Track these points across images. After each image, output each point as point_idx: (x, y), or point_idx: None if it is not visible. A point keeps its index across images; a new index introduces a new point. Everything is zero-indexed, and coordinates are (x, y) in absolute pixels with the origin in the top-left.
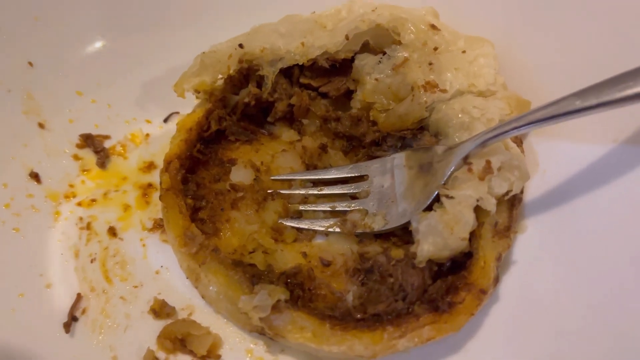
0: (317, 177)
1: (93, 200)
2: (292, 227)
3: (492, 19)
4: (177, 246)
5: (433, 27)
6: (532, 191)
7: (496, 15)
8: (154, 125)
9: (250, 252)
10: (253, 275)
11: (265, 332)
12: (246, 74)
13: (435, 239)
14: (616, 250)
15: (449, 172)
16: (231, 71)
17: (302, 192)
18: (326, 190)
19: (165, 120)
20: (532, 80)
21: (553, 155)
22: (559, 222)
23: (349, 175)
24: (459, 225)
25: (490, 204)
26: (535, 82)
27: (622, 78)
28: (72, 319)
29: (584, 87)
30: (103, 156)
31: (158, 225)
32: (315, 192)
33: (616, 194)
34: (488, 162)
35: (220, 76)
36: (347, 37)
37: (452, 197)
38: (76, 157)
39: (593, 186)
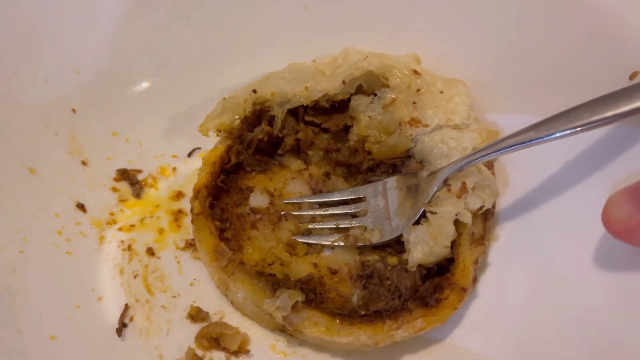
0: (322, 200)
1: (132, 226)
2: (303, 243)
3: (465, 60)
4: (209, 261)
5: (415, 72)
6: (503, 205)
7: (469, 58)
8: (179, 160)
9: (270, 264)
10: (273, 283)
11: (286, 329)
12: (259, 115)
13: (423, 247)
14: (573, 255)
15: (433, 192)
16: (247, 112)
17: (311, 212)
18: (330, 211)
19: (189, 155)
20: (501, 113)
21: (519, 175)
22: (525, 231)
23: (349, 197)
24: (442, 235)
25: (467, 218)
26: (503, 115)
27: (565, 114)
28: (122, 325)
29: (536, 122)
30: (138, 188)
31: (189, 245)
32: (322, 212)
33: (570, 205)
34: (464, 184)
35: (237, 117)
36: (344, 82)
37: (435, 213)
38: (114, 190)
39: (552, 200)
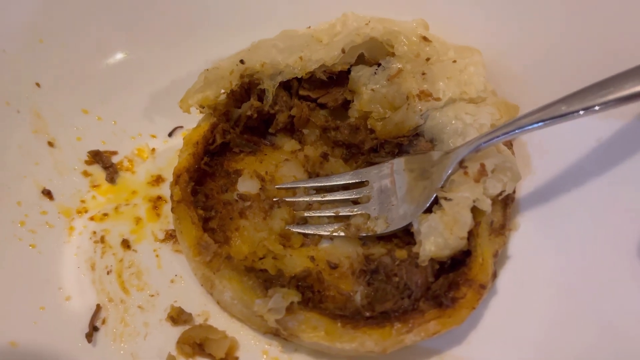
0: (320, 184)
1: (105, 215)
2: (299, 233)
3: (479, 27)
4: (192, 255)
5: (425, 38)
6: (524, 190)
7: (483, 24)
8: (159, 140)
9: (261, 258)
10: (265, 280)
11: (279, 333)
12: (248, 88)
13: (436, 239)
14: (602, 243)
15: (446, 176)
16: (233, 86)
17: (307, 199)
18: (329, 197)
19: (170, 135)
20: (520, 86)
21: (542, 156)
22: (549, 218)
23: (350, 182)
24: (457, 225)
25: (486, 204)
26: (523, 88)
27: (604, 84)
28: (93, 328)
29: (569, 93)
30: (112, 171)
31: (170, 236)
32: (319, 198)
33: (600, 190)
34: (482, 165)
35: (222, 91)
36: (343, 51)
37: (450, 199)
38: (86, 174)
39: (578, 184)
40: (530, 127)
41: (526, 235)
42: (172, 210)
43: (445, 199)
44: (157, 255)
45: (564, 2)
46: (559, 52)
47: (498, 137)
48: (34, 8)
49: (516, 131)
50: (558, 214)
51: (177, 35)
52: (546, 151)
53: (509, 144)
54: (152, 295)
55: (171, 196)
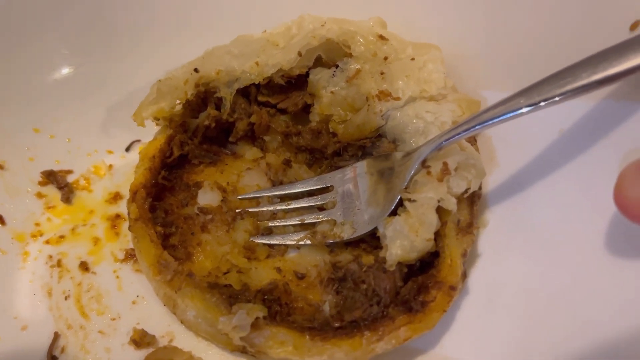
0: (283, 192)
1: (61, 237)
2: (264, 244)
3: (437, 23)
4: (152, 275)
5: (381, 37)
6: (491, 185)
7: (441, 19)
8: (116, 156)
9: (225, 273)
10: (230, 295)
11: (247, 351)
12: (204, 97)
13: (402, 242)
14: (572, 236)
15: (409, 177)
16: (189, 96)
17: (271, 208)
18: (294, 205)
19: (127, 150)
20: (482, 79)
21: (507, 150)
22: (517, 213)
23: (315, 188)
24: (423, 227)
25: (451, 204)
26: (485, 81)
27: (562, 74)
28: (52, 358)
29: (528, 86)
30: (67, 191)
31: (130, 256)
32: (284, 207)
33: (566, 182)
34: (445, 164)
35: (178, 102)
36: (299, 54)
37: (414, 201)
38: (40, 195)
39: (545, 176)
40: (490, 122)
41: (495, 232)
42: (130, 228)
43: (410, 200)
44: (117, 277)
45: None
46: (521, 42)
47: (459, 134)
48: None
49: (477, 127)
50: (526, 207)
51: (127, 46)
52: (511, 144)
53: (473, 140)
54: (114, 319)
55: (128, 214)
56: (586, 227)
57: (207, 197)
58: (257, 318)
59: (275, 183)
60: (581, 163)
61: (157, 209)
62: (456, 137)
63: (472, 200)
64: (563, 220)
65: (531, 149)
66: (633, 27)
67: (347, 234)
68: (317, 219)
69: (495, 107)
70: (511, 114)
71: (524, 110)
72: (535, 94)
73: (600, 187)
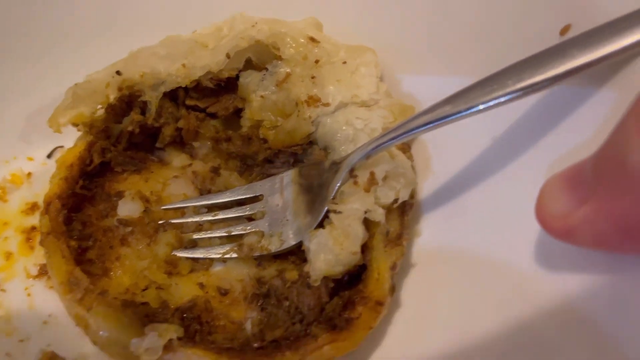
0: (210, 202)
1: None
2: (187, 258)
3: (374, 24)
4: (62, 293)
5: (312, 39)
6: (425, 194)
7: (378, 20)
8: (36, 163)
9: (143, 290)
10: (146, 314)
11: None
12: (128, 101)
13: (327, 256)
14: (509, 243)
15: (336, 187)
16: (111, 100)
17: (196, 219)
18: (221, 215)
19: (49, 156)
20: (420, 83)
21: (442, 156)
22: (451, 223)
23: (244, 197)
24: (348, 239)
25: (378, 215)
26: (424, 85)
27: (487, 82)
28: None
29: (454, 93)
30: None
31: (43, 272)
32: (210, 217)
33: (504, 189)
34: (372, 174)
35: (99, 106)
36: (228, 56)
37: (339, 212)
38: None
39: (479, 182)
40: (417, 130)
41: (430, 241)
42: (41, 243)
43: (335, 212)
44: (28, 294)
45: None
46: (459, 44)
47: (385, 142)
48: None
49: (405, 135)
50: (461, 217)
51: (47, 46)
52: (446, 150)
53: (407, 147)
54: (22, 340)
55: (40, 227)
56: (523, 237)
57: (127, 208)
58: (170, 340)
59: (203, 192)
60: (515, 170)
61: (74, 220)
62: (383, 145)
63: (403, 210)
64: (499, 230)
65: (465, 156)
66: (563, 32)
67: (274, 246)
68: (245, 230)
69: (422, 115)
70: (437, 122)
71: (450, 118)
72: (461, 102)
73: (532, 195)
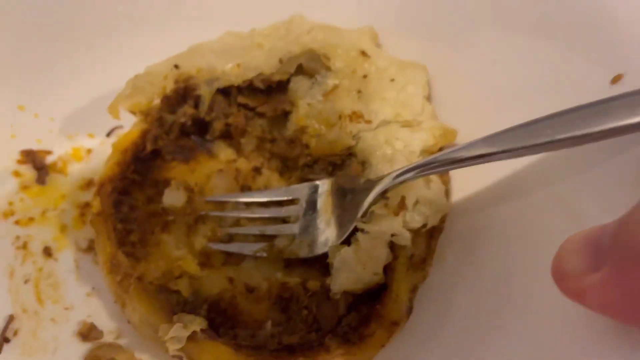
0: (249, 200)
1: (31, 219)
2: (221, 251)
3: (431, 39)
4: (105, 272)
5: (363, 53)
6: (456, 217)
7: (436, 36)
8: (96, 140)
9: (177, 277)
10: (177, 302)
11: (182, 358)
12: (183, 94)
13: (349, 274)
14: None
15: (367, 206)
16: (167, 91)
17: (235, 214)
18: (257, 214)
19: (108, 135)
20: (466, 107)
21: (481, 177)
22: (475, 248)
23: (281, 199)
24: (371, 260)
25: (405, 239)
26: (469, 109)
27: (535, 124)
28: (4, 340)
29: (494, 133)
30: (43, 173)
31: (92, 247)
32: (247, 214)
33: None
34: (403, 198)
35: (156, 97)
36: (280, 61)
37: (367, 232)
38: (16, 174)
39: (518, 212)
40: (447, 167)
41: (451, 267)
42: (90, 222)
43: (362, 231)
44: (77, 266)
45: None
46: (513, 74)
47: (420, 173)
48: None
49: (439, 169)
50: (480, 242)
51: (109, 37)
52: (488, 171)
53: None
54: (67, 309)
55: (91, 206)
56: (534, 259)
57: (172, 197)
58: (194, 332)
59: (244, 188)
60: (558, 202)
61: (123, 203)
62: (418, 175)
63: (432, 235)
64: (531, 259)
65: (510, 178)
66: (615, 81)
67: (303, 252)
68: (278, 231)
69: (454, 151)
70: (467, 161)
71: (482, 158)
72: (499, 142)
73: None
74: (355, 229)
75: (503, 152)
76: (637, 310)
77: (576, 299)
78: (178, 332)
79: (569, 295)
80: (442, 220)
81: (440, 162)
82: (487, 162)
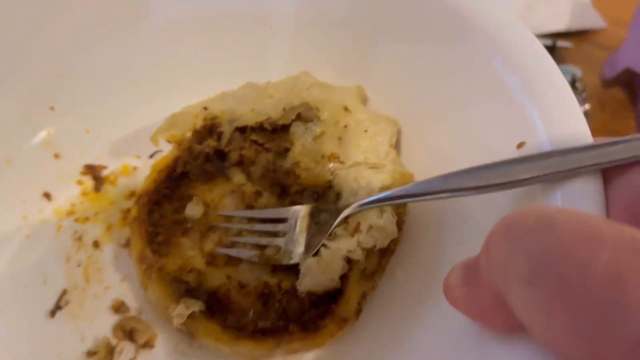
0: (250, 216)
1: (86, 218)
2: (224, 254)
3: (411, 99)
4: (135, 262)
5: (346, 109)
6: (410, 243)
7: (416, 96)
8: (141, 160)
9: (188, 272)
10: (186, 289)
11: (184, 333)
12: (209, 129)
13: (312, 278)
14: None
15: (332, 228)
16: (197, 127)
17: (238, 226)
18: (255, 227)
19: (151, 157)
20: (428, 156)
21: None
22: (422, 269)
23: (275, 217)
24: (329, 269)
25: (357, 255)
26: (428, 157)
27: (477, 171)
28: (57, 307)
29: (446, 173)
30: (99, 183)
31: (128, 244)
32: (248, 227)
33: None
34: (358, 224)
35: (188, 131)
36: (284, 109)
37: (328, 247)
38: (79, 182)
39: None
40: (403, 200)
41: (398, 280)
42: (129, 224)
43: (325, 246)
44: (116, 257)
45: None
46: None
47: (373, 204)
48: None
49: (388, 202)
50: (432, 265)
51: (162, 79)
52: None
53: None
54: (106, 288)
55: (131, 212)
56: None
57: (192, 210)
58: (193, 312)
59: (249, 207)
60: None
61: (155, 212)
62: (372, 205)
63: (383, 254)
64: None
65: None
66: (519, 147)
67: (285, 260)
68: (268, 243)
69: (410, 189)
70: (422, 197)
71: (437, 194)
72: (453, 180)
73: None
74: (322, 246)
75: (444, 191)
76: (481, 315)
77: (454, 305)
78: (182, 310)
79: (450, 302)
80: (395, 243)
81: (392, 197)
82: (432, 199)
